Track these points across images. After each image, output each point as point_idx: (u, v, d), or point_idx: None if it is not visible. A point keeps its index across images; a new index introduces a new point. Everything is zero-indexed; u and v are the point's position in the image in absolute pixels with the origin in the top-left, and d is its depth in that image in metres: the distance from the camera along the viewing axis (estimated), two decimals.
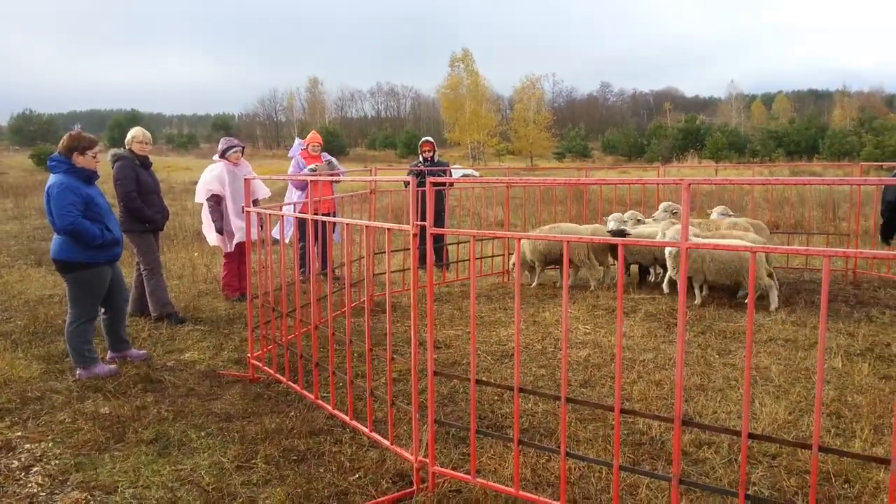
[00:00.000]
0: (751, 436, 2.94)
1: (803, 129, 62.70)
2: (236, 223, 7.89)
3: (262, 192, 8.43)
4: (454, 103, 65.60)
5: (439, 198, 10.03)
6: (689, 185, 2.98)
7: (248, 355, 5.76)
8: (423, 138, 10.89)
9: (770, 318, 7.14)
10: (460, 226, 13.44)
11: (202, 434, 4.56)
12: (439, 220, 10.06)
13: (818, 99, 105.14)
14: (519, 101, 72.05)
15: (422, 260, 9.89)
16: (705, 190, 17.74)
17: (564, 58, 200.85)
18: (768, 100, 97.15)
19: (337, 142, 73.60)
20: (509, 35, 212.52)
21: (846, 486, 3.74)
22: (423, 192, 9.81)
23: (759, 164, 42.70)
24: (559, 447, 3.32)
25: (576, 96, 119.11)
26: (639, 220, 8.96)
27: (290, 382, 5.29)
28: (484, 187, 12.22)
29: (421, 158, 10.62)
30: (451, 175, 10.49)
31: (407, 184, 8.97)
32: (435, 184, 9.39)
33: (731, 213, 9.26)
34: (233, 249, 8.03)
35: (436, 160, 10.73)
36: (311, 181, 5.35)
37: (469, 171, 27.42)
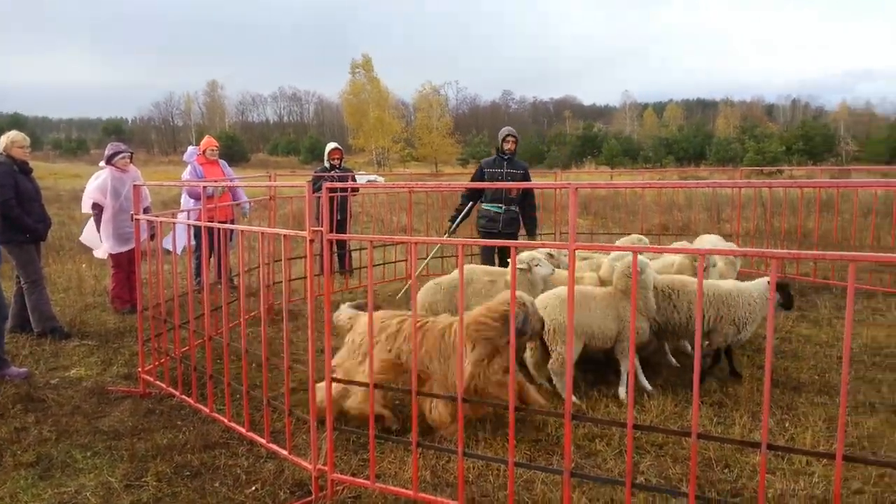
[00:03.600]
0: (636, 427, 3.08)
1: (691, 136, 66.20)
2: (124, 231, 7.58)
3: (147, 200, 8.14)
4: (358, 109, 65.31)
5: (343, 204, 9.97)
6: (577, 189, 3.10)
7: (139, 369, 5.53)
8: (333, 145, 10.78)
9: None
10: (364, 232, 13.37)
11: (88, 454, 4.35)
12: (343, 227, 9.98)
13: (705, 108, 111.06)
14: (421, 108, 72.44)
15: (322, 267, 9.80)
16: (600, 195, 18.40)
17: (468, 66, 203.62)
18: (660, 108, 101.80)
19: (237, 147, 71.71)
20: (413, 41, 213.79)
21: (726, 470, 3.98)
22: (328, 199, 9.74)
23: (651, 170, 44.73)
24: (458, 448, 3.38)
25: (479, 103, 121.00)
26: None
27: (183, 396, 5.12)
28: (388, 193, 12.24)
29: (328, 165, 10.54)
30: (355, 181, 10.42)
31: (318, 187, 8.82)
32: (338, 189, 9.46)
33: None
34: (120, 251, 7.70)
35: (341, 167, 10.70)
36: (204, 189, 5.20)
37: (374, 177, 27.39)
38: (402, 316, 4.69)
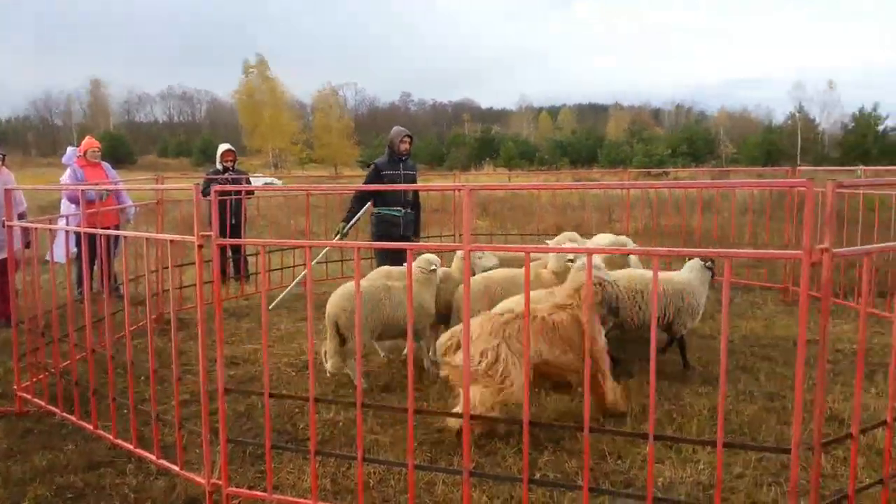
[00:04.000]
0: (532, 424, 3.14)
1: (584, 139, 68.50)
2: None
3: (22, 205, 7.62)
4: (252, 109, 63.48)
5: (237, 208, 9.67)
6: (470, 190, 3.13)
7: (15, 387, 5.16)
8: (226, 147, 10.39)
9: None
10: (260, 236, 13.04)
11: None
12: (237, 231, 9.69)
13: (596, 112, 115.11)
14: (319, 109, 71.37)
15: (221, 272, 9.47)
16: (498, 196, 18.73)
17: (366, 67, 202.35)
18: (554, 112, 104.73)
19: (124, 148, 68.33)
20: (310, 41, 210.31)
21: (619, 461, 4.13)
22: (220, 203, 9.43)
23: (546, 172, 45.98)
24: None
25: (378, 105, 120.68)
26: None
27: (64, 413, 4.81)
28: (285, 196, 11.98)
29: (221, 167, 10.15)
30: (249, 184, 10.14)
31: (206, 192, 8.44)
32: (232, 193, 9.17)
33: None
34: None
35: (234, 169, 10.35)
36: (83, 193, 4.91)
37: (270, 180, 26.77)
38: (505, 317, 4.50)
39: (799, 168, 10.61)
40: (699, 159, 57.76)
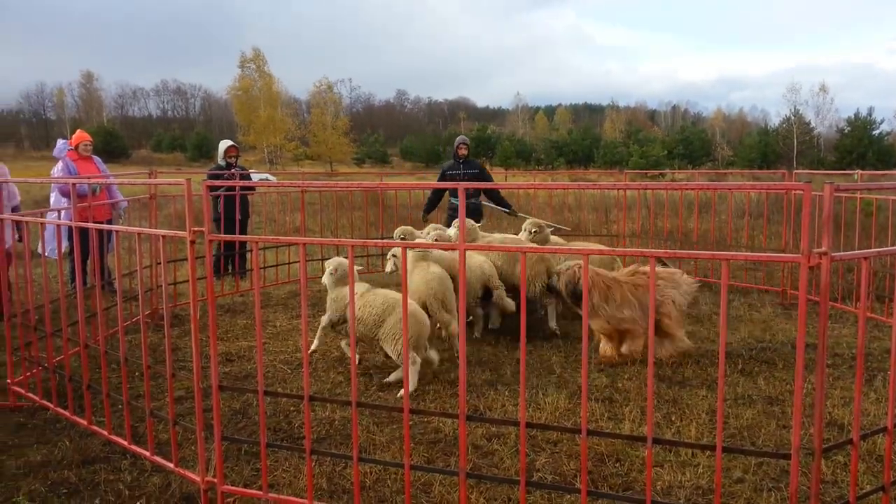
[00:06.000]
0: (529, 425, 3.11)
1: (580, 139, 68.59)
2: None
3: (16, 198, 7.56)
4: (247, 105, 63.29)
5: (244, 204, 9.70)
6: (465, 189, 3.10)
7: (8, 381, 5.10)
8: (229, 143, 10.43)
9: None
10: (256, 232, 12.96)
11: None
12: (244, 227, 9.73)
13: (592, 112, 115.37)
14: (315, 106, 71.22)
15: (217, 268, 9.42)
16: None
17: (361, 64, 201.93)
18: (550, 112, 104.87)
19: (117, 143, 68.13)
20: (304, 37, 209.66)
21: (617, 464, 4.09)
22: (224, 199, 9.38)
23: (542, 172, 45.97)
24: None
25: (374, 102, 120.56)
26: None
27: (58, 408, 4.76)
28: (280, 192, 11.90)
29: (224, 163, 10.17)
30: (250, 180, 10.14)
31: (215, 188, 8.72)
32: (236, 189, 9.12)
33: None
34: None
35: (238, 165, 10.41)
36: (74, 187, 4.85)
37: (266, 176, 26.63)
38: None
39: (795, 171, 10.60)
40: (696, 161, 57.93)
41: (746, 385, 5.43)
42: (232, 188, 9.11)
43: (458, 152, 10.02)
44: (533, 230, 7.43)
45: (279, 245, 9.45)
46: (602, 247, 7.52)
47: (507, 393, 5.26)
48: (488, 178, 10.45)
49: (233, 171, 9.95)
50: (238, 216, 9.18)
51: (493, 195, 10.29)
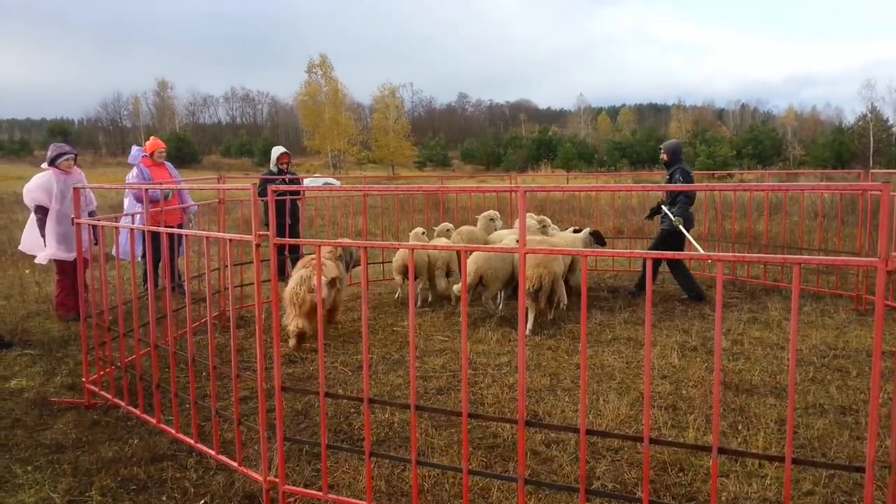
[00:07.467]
0: (589, 432, 3.06)
1: (645, 140, 67.33)
2: (72, 237, 7.33)
3: (93, 203, 7.91)
4: (313, 110, 64.61)
5: (293, 209, 9.85)
6: (525, 191, 3.07)
7: (83, 379, 5.33)
8: (281, 150, 10.62)
9: (614, 318, 7.54)
10: (318, 236, 13.21)
11: (29, 468, 4.17)
12: (294, 232, 9.86)
13: (657, 112, 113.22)
14: (377, 110, 72.09)
15: (282, 271, 9.63)
16: (556, 198, 18.54)
17: (423, 68, 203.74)
18: (613, 112, 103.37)
19: (188, 149, 70.49)
20: (367, 42, 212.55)
21: (680, 474, 3.99)
22: (276, 203, 9.58)
23: (606, 174, 45.30)
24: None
25: (435, 106, 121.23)
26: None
27: (129, 407, 4.94)
28: (340, 196, 12.10)
29: (276, 169, 10.38)
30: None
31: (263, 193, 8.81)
32: (288, 193, 9.31)
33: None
34: (66, 258, 7.44)
35: (289, 171, 10.60)
36: (146, 192, 5.02)
37: (330, 180, 27.14)
38: None
39: (872, 170, 10.14)
40: (766, 161, 56.10)
41: (818, 394, 5.22)
42: (283, 193, 9.28)
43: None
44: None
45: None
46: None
47: (566, 398, 5.20)
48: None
49: (284, 177, 10.13)
50: (288, 220, 9.36)
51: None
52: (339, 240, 8.30)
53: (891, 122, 61.52)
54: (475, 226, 9.15)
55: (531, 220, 8.76)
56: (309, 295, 6.37)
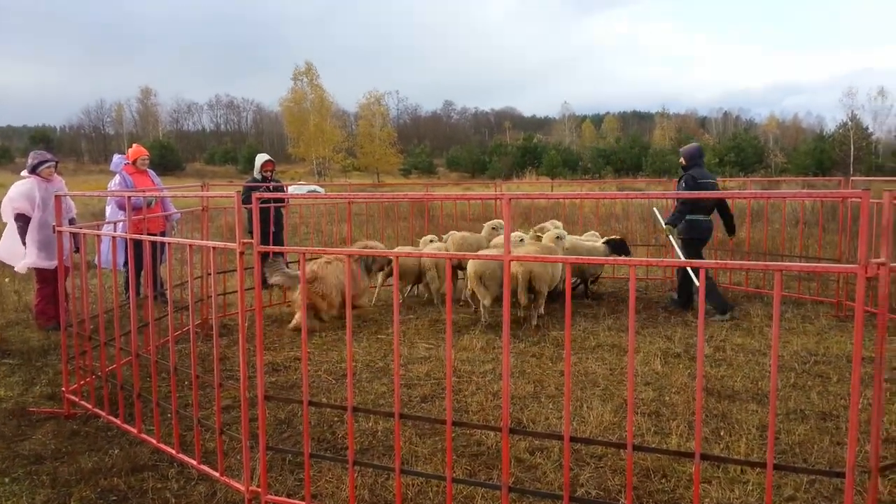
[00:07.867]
0: (573, 439, 3.07)
1: (628, 147, 67.77)
2: (53, 244, 7.26)
3: (72, 211, 7.85)
4: (298, 118, 64.47)
5: (277, 216, 9.81)
6: (510, 199, 3.08)
7: (63, 389, 5.26)
8: (265, 157, 10.58)
9: (598, 326, 7.57)
10: (303, 243, 13.16)
11: (6, 480, 4.12)
12: (278, 239, 9.82)
13: (641, 120, 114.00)
14: (363, 118, 72.05)
15: (265, 279, 9.58)
16: (541, 206, 18.58)
17: (408, 76, 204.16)
18: (597, 120, 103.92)
19: (172, 156, 70.11)
20: (353, 50, 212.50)
21: (663, 480, 4.00)
22: (260, 210, 9.54)
23: (590, 181, 45.56)
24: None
25: (420, 113, 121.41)
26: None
27: (110, 416, 4.89)
28: (326, 203, 12.07)
29: (260, 176, 10.34)
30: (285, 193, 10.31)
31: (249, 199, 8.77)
32: (271, 201, 9.28)
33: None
34: (46, 266, 7.37)
35: (273, 178, 10.58)
36: (129, 200, 5.00)
37: (314, 188, 27.02)
38: None
39: (852, 178, 10.26)
40: (748, 168, 56.63)
41: (799, 399, 5.26)
42: (267, 201, 9.26)
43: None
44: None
45: (320, 255, 9.55)
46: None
47: (550, 405, 5.21)
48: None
49: (268, 184, 10.11)
50: (272, 228, 9.33)
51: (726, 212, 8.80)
52: (369, 242, 8.60)
53: (871, 129, 62.36)
54: (480, 233, 9.24)
55: (551, 227, 8.72)
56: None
